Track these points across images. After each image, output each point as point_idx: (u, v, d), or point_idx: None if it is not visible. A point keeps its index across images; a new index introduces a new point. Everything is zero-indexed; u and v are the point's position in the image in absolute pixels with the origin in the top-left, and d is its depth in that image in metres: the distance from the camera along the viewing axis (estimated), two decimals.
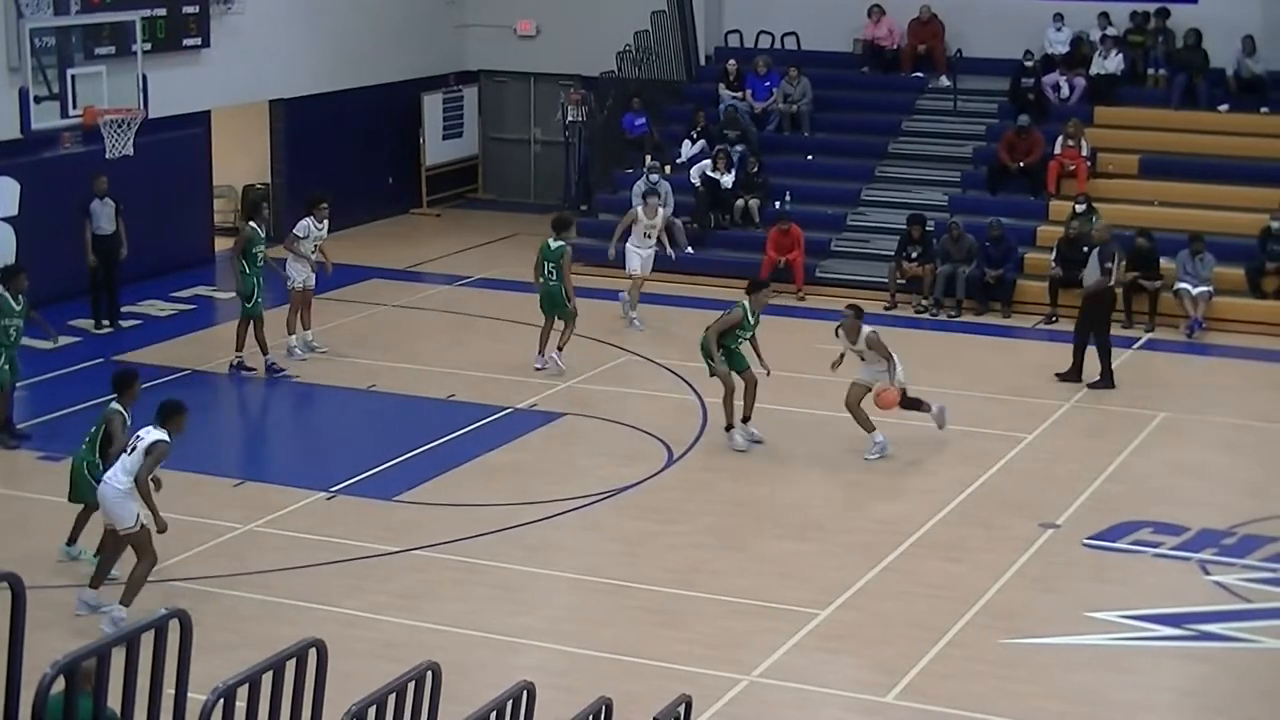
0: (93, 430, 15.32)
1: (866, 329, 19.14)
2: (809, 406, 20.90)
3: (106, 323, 24.28)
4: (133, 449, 14.20)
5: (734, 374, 19.33)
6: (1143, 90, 29.34)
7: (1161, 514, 17.47)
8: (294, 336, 22.78)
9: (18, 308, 18.92)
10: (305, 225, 22.61)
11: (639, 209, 25.43)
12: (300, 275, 22.56)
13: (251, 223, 22.10)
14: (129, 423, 15.03)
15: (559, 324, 22.32)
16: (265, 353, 21.99)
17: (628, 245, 25.10)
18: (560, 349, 22.28)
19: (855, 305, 19.61)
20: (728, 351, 19.40)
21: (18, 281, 19.03)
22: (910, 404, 19.43)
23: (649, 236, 25.23)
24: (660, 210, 25.60)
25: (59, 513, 16.86)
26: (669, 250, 25.74)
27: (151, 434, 14.21)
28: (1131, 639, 14.66)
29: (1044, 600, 15.37)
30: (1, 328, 18.77)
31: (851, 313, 19.34)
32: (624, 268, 25.28)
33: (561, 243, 22.34)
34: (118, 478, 14.21)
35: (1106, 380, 21.90)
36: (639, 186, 27.99)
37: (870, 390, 19.22)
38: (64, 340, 23.25)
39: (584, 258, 26.83)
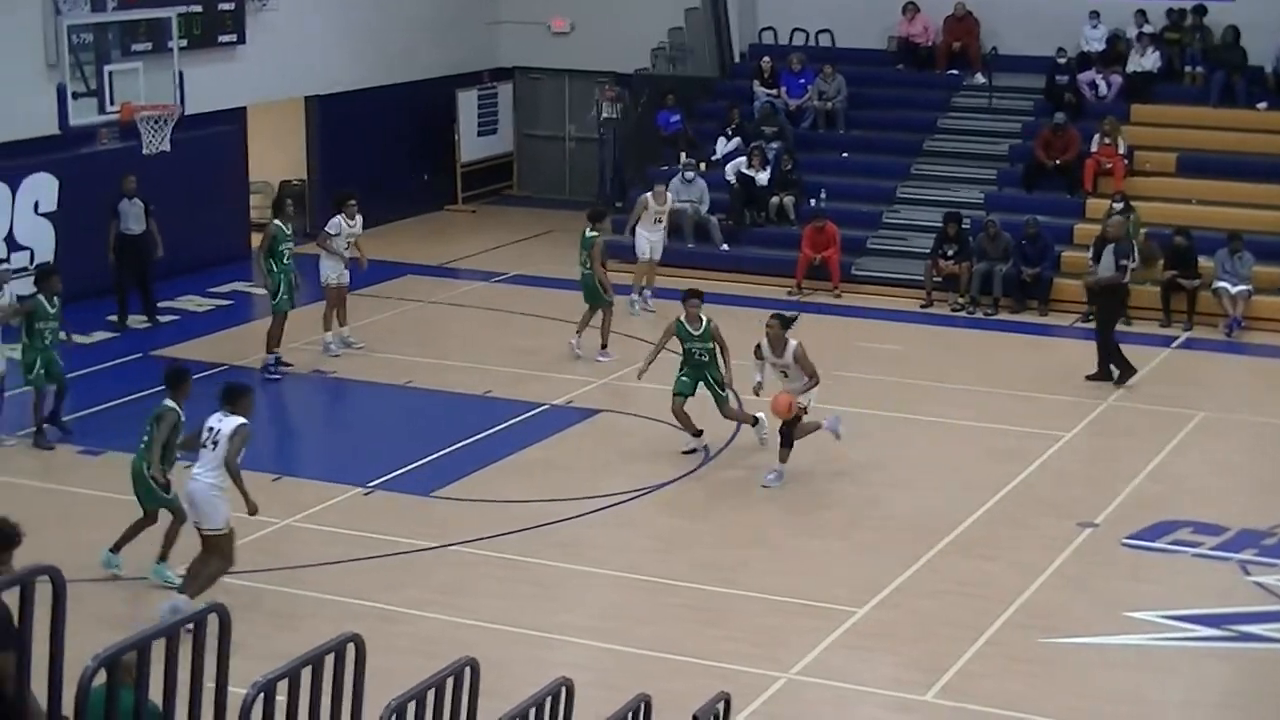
0: (149, 430, 15.03)
1: (792, 342, 17.91)
2: (846, 404, 20.81)
3: (143, 318, 24.29)
4: (214, 442, 14.12)
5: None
6: (1180, 88, 29.20)
7: (1201, 513, 17.37)
8: (329, 333, 22.82)
9: (52, 310, 18.97)
10: (336, 223, 22.63)
11: (648, 195, 25.58)
12: (334, 272, 22.59)
13: (277, 220, 21.95)
14: (183, 420, 14.95)
15: (598, 314, 22.69)
16: (271, 350, 21.84)
17: (638, 230, 25.34)
18: (604, 345, 22.61)
19: (780, 315, 18.33)
20: (695, 365, 18.81)
21: (51, 283, 19.04)
22: (793, 428, 17.95)
23: (659, 222, 25.39)
24: (670, 196, 25.86)
25: (99, 507, 16.95)
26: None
27: (229, 420, 14.13)
28: (1170, 639, 14.58)
29: (1082, 600, 15.30)
30: (37, 331, 18.81)
31: (777, 322, 18.02)
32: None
33: (595, 233, 22.71)
34: (206, 474, 14.13)
35: (1125, 373, 21.74)
36: (674, 184, 28.00)
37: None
38: (98, 336, 23.40)
39: (619, 254, 26.79)
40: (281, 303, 21.68)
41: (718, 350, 18.74)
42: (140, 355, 22.67)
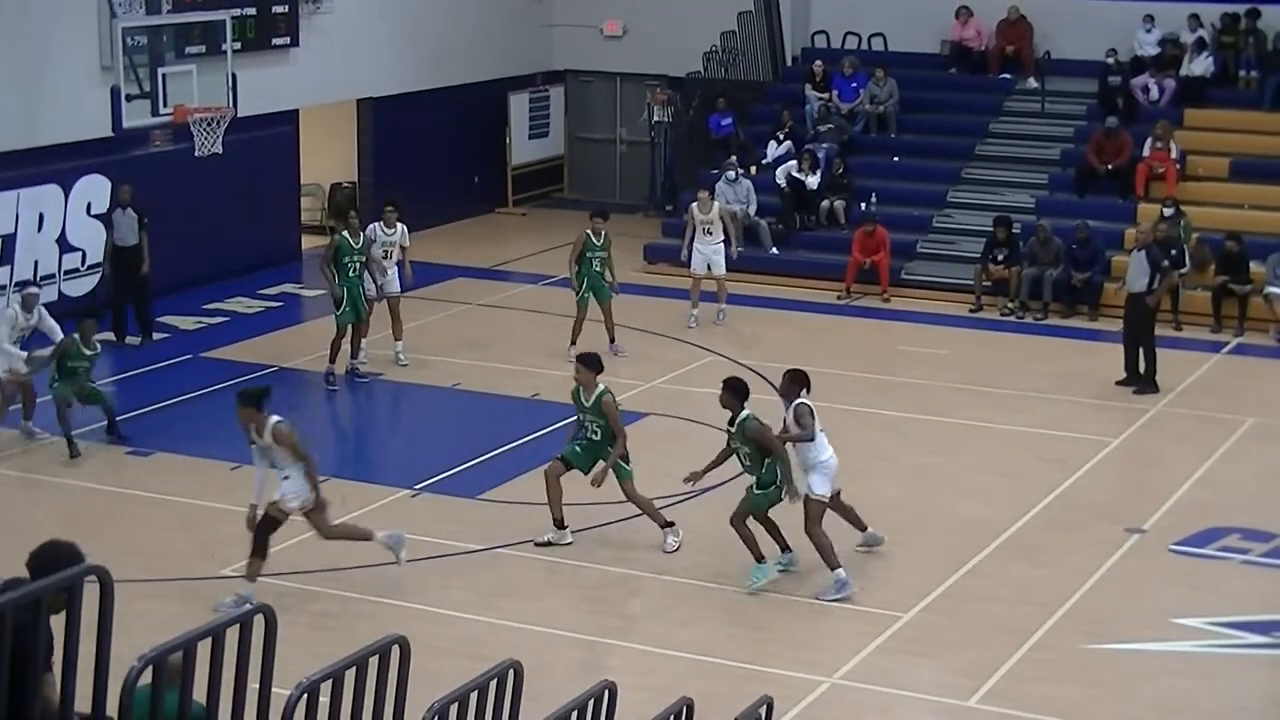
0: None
1: (271, 420, 14.76)
2: (893, 409, 20.81)
3: (134, 336, 23.51)
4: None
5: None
6: (1234, 92, 29.06)
7: (1250, 520, 17.28)
8: (399, 343, 22.49)
9: (89, 353, 19.13)
10: (372, 229, 22.20)
11: (693, 205, 25.04)
12: (372, 281, 21.98)
13: (343, 231, 21.60)
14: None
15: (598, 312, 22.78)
16: (332, 363, 21.58)
17: (694, 244, 24.76)
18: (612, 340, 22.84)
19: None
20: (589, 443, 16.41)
21: (87, 327, 19.13)
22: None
23: (709, 233, 24.66)
24: (715, 204, 25.09)
25: (146, 507, 17.08)
26: (733, 250, 24.94)
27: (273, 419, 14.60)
28: (1218, 646, 14.52)
29: (1130, 606, 15.25)
30: (69, 369, 18.93)
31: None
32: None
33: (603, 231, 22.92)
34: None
35: (1146, 385, 21.63)
36: (719, 186, 28.04)
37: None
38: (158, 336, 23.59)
39: (669, 258, 26.84)
40: (345, 315, 21.26)
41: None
42: (190, 356, 22.81)
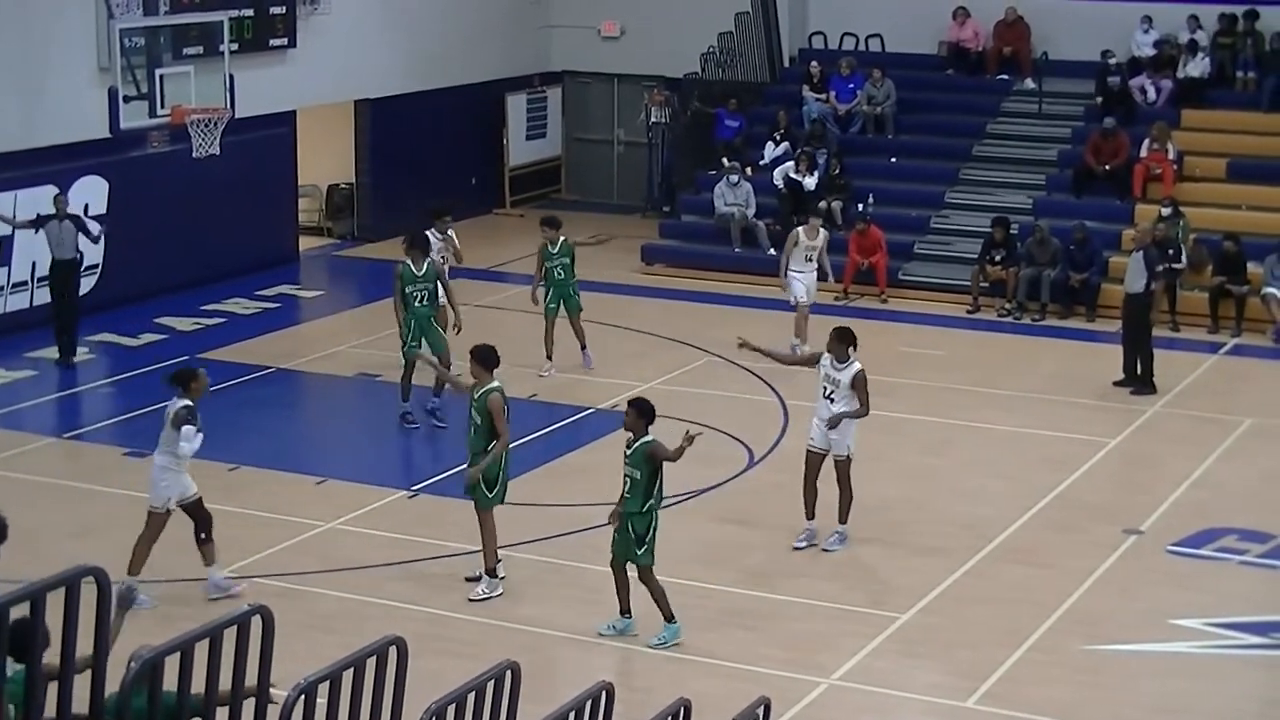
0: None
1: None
2: (891, 409, 20.80)
3: (58, 354, 22.46)
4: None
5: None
6: (1231, 93, 29.07)
7: (1247, 521, 17.30)
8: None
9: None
10: (430, 234, 21.44)
11: (800, 230, 23.21)
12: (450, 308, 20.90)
13: (405, 260, 20.01)
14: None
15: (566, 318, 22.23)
16: (405, 399, 20.07)
17: (790, 271, 23.03)
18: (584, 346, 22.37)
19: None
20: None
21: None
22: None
23: (810, 260, 23.02)
24: (822, 231, 23.27)
25: (143, 509, 17.04)
26: (829, 274, 23.61)
27: (176, 403, 14.72)
28: (1215, 647, 14.53)
29: (1127, 606, 15.26)
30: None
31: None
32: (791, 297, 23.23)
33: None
34: (159, 455, 14.86)
35: (1144, 386, 21.64)
36: (719, 188, 28.07)
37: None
38: (146, 338, 23.56)
39: (667, 258, 26.85)
40: (412, 348, 19.61)
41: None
42: (188, 358, 22.78)
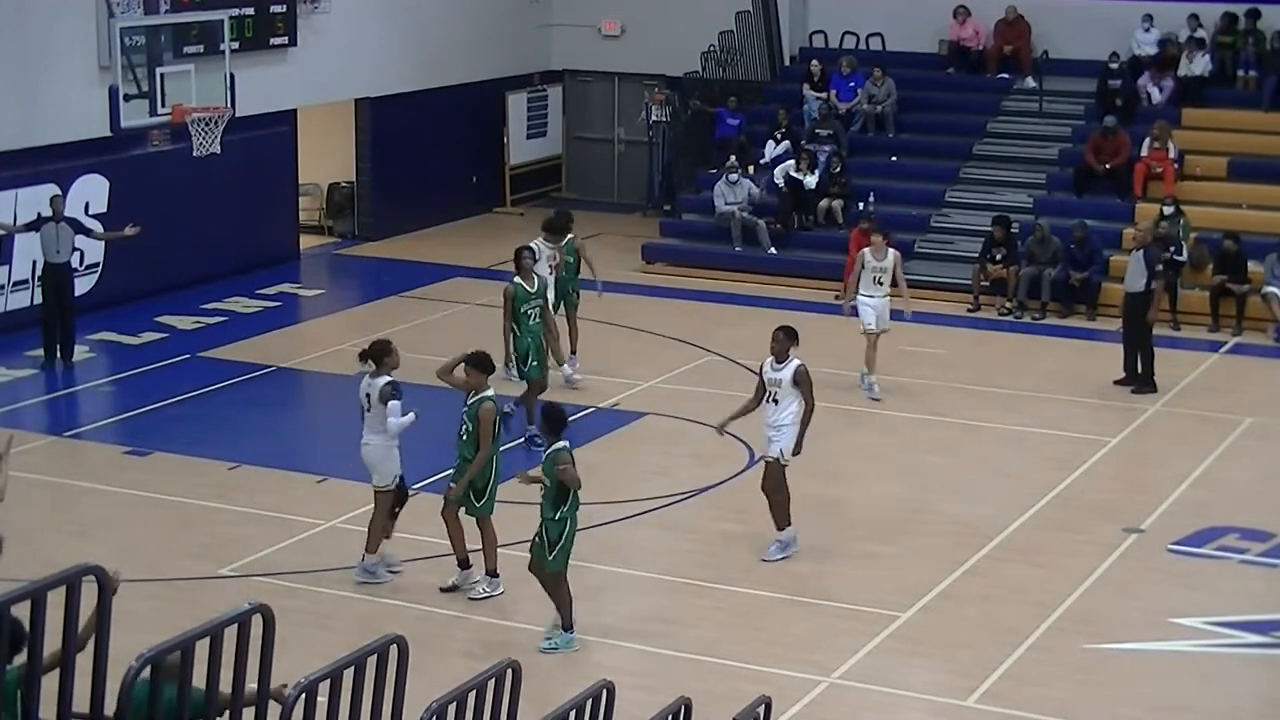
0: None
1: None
2: (891, 408, 20.81)
3: (59, 357, 22.21)
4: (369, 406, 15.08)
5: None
6: (1232, 92, 29.05)
7: (1247, 520, 17.29)
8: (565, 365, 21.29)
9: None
10: (535, 247, 20.70)
11: (866, 251, 21.31)
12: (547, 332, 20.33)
13: (516, 278, 19.39)
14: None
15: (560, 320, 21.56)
16: (531, 422, 18.95)
17: (859, 295, 21.27)
18: (574, 351, 21.76)
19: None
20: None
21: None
22: None
23: (879, 283, 21.08)
24: (891, 252, 21.22)
25: (145, 507, 17.07)
26: (906, 310, 21.51)
27: (376, 381, 15.08)
28: (1216, 646, 14.52)
29: (1127, 606, 15.25)
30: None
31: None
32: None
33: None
34: (371, 436, 15.17)
35: (1144, 385, 21.63)
36: (719, 187, 28.07)
37: None
38: (147, 336, 23.57)
39: (668, 257, 26.83)
40: (532, 370, 19.18)
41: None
42: (188, 357, 22.80)
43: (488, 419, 14.64)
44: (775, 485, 15.95)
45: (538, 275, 19.71)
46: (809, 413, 15.85)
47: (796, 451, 15.82)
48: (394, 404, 14.93)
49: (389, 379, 15.04)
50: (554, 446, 14.01)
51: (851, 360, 21.25)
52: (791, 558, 16.06)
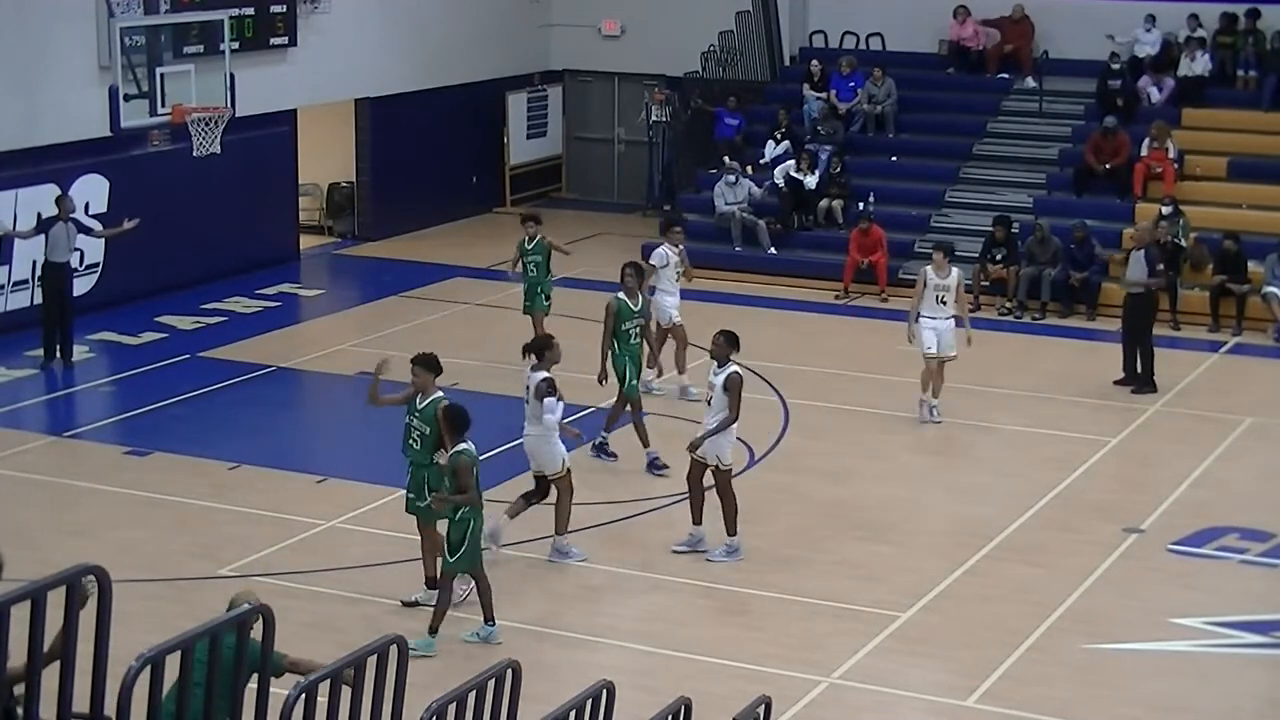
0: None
1: None
2: (891, 408, 20.80)
3: (59, 357, 22.11)
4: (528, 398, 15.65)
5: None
6: (1232, 92, 29.05)
7: (1247, 520, 17.29)
8: (653, 372, 20.46)
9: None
10: (662, 254, 20.63)
11: (928, 269, 20.31)
12: (667, 308, 20.81)
13: (620, 294, 18.90)
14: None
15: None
16: (646, 445, 18.62)
17: (921, 316, 20.12)
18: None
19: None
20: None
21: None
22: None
23: (943, 303, 20.05)
24: (954, 270, 20.32)
25: (145, 507, 17.07)
26: (966, 327, 20.36)
27: (535, 374, 15.68)
28: (1216, 646, 14.53)
29: (1127, 605, 15.25)
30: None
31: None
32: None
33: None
34: (531, 427, 15.65)
35: (1145, 385, 21.64)
36: (718, 188, 28.07)
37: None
38: (147, 336, 23.56)
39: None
40: (631, 389, 18.70)
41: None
42: (188, 356, 22.80)
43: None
44: (727, 489, 15.95)
45: (641, 294, 19.17)
46: (727, 421, 15.73)
47: (693, 449, 15.88)
48: (549, 400, 15.54)
49: (546, 375, 15.66)
50: (458, 448, 13.90)
51: (851, 360, 21.24)
52: (792, 557, 16.06)
